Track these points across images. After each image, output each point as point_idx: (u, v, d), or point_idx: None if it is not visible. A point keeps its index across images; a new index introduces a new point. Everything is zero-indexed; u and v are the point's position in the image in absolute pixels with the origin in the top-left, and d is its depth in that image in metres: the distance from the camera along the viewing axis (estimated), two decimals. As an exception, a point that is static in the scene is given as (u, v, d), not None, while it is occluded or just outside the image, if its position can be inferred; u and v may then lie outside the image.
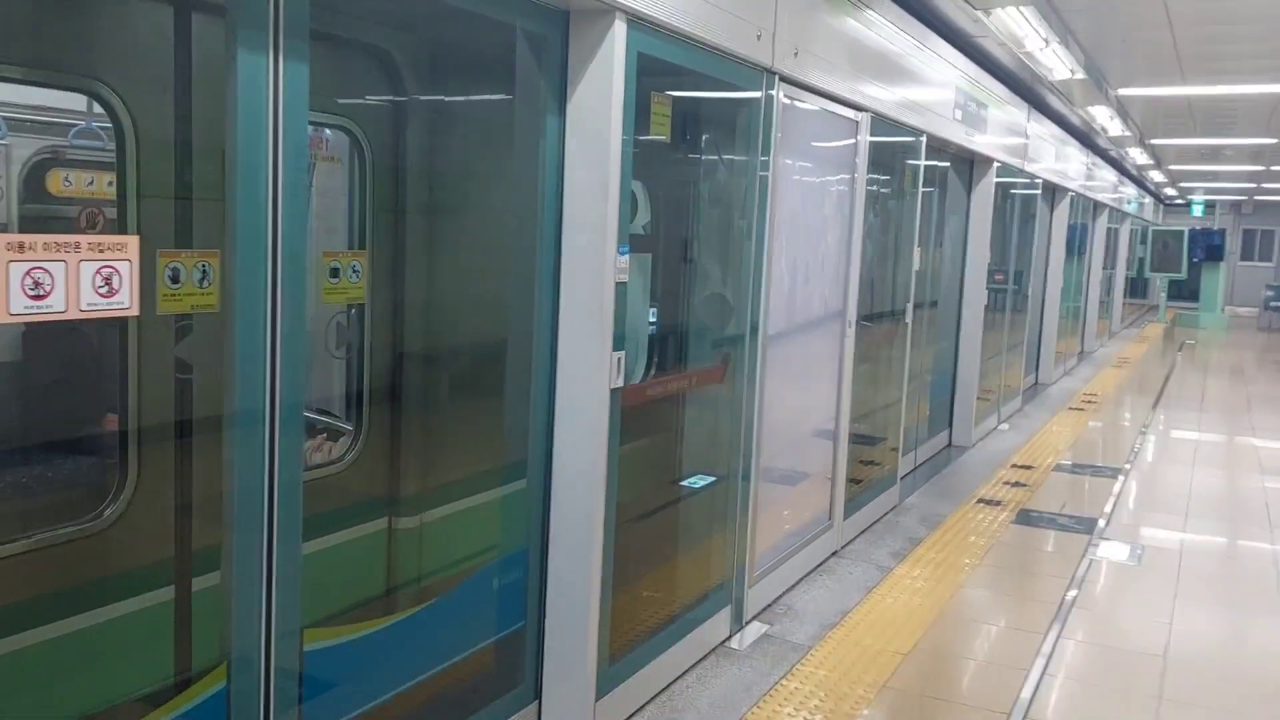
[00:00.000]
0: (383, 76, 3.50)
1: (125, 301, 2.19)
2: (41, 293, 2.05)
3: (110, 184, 2.45)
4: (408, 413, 3.32)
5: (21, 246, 2.01)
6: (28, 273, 2.02)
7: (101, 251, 2.14)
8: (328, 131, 3.29)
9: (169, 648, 2.50)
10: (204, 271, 2.38)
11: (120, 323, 2.47)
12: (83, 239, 2.10)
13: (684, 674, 4.28)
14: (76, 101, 2.50)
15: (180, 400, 2.54)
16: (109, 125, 2.41)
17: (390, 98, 3.47)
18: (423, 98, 3.44)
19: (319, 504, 3.08)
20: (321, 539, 3.04)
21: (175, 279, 2.33)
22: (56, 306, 2.08)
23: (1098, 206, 16.29)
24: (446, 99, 3.70)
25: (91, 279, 2.13)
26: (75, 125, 2.56)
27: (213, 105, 2.42)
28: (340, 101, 3.37)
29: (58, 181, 2.68)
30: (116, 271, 2.17)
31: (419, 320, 3.34)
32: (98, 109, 2.46)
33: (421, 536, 3.33)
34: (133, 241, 2.20)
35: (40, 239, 2.04)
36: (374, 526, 3.18)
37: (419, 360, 3.41)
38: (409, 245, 3.36)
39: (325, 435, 3.20)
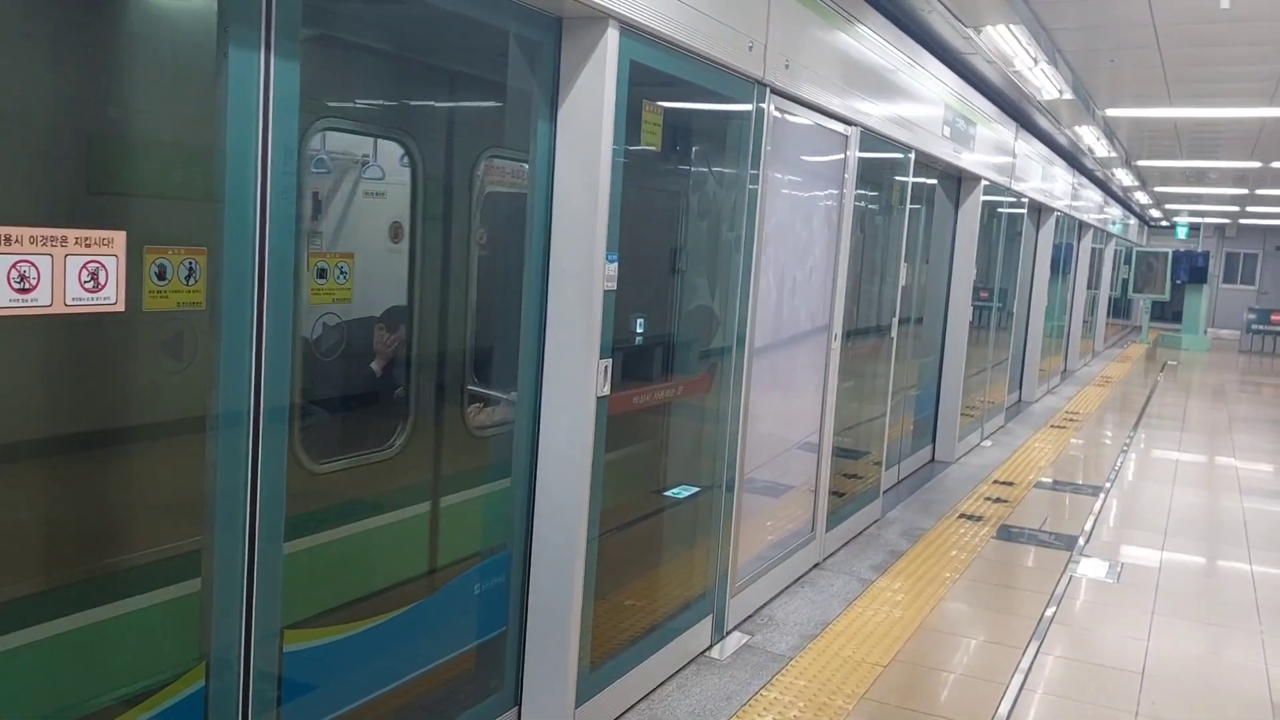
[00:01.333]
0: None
1: (111, 297, 2.19)
2: (27, 286, 2.04)
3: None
4: None
5: (8, 239, 2.00)
6: (14, 266, 2.01)
7: (88, 247, 2.13)
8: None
9: (426, 546, 3.50)
10: (190, 269, 2.38)
11: (406, 317, 3.40)
12: (69, 233, 2.09)
13: (664, 682, 4.27)
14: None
15: (437, 373, 3.54)
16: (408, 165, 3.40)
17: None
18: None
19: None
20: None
21: (162, 276, 2.33)
22: (42, 300, 2.06)
23: (1083, 226, 16.39)
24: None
25: (77, 274, 2.12)
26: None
27: (467, 150, 3.44)
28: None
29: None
30: (103, 267, 2.16)
31: None
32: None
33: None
34: (119, 236, 2.19)
35: (27, 232, 2.03)
36: None
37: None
38: None
39: (483, 404, 3.77)
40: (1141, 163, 15.89)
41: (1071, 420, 12.15)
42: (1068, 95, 8.91)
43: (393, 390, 3.51)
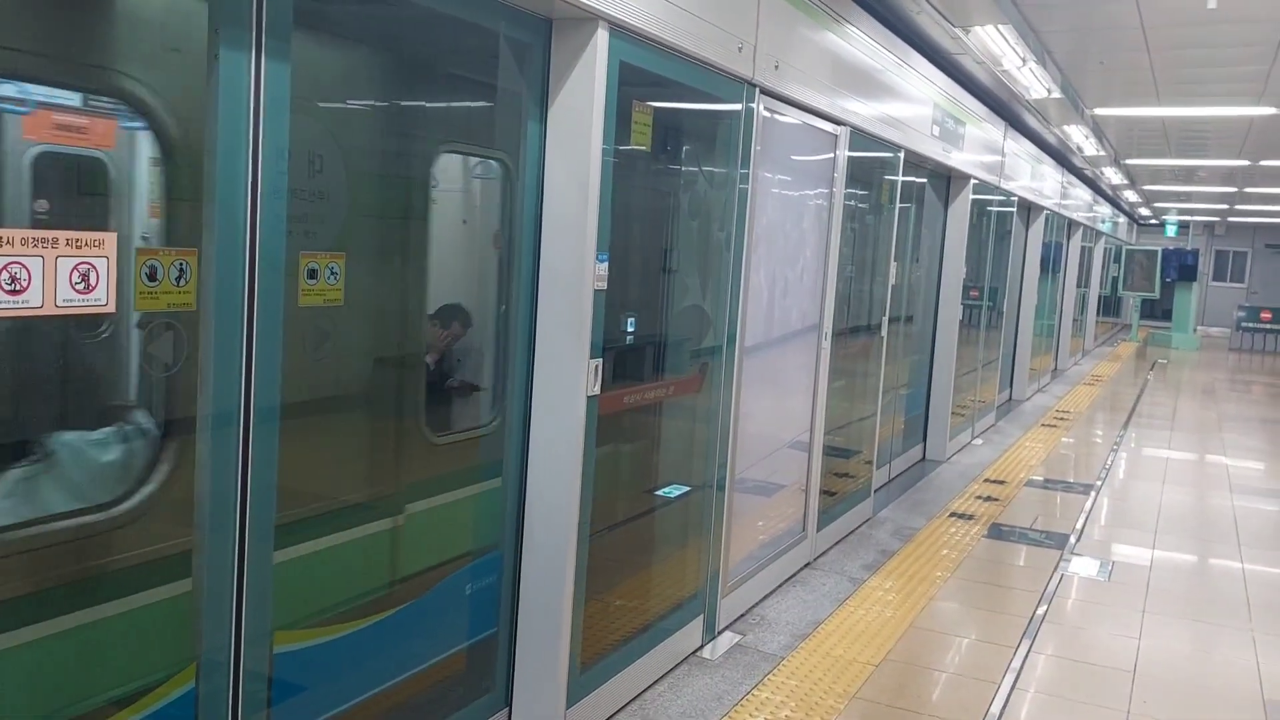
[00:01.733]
0: None
1: (102, 299, 2.18)
2: (18, 288, 2.03)
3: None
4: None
5: (-2, 241, 2.00)
6: (4, 268, 2.01)
7: (79, 248, 2.13)
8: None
9: (500, 514, 3.72)
10: (181, 270, 2.37)
11: (494, 316, 3.78)
12: (60, 234, 2.09)
13: (655, 683, 4.28)
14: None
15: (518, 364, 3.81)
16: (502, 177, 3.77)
17: None
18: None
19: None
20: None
21: (152, 277, 2.32)
22: (33, 302, 2.06)
23: (1072, 225, 16.45)
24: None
25: (68, 275, 2.11)
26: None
27: (536, 167, 3.57)
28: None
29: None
30: (94, 268, 2.15)
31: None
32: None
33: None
34: (110, 238, 2.19)
35: (18, 234, 2.03)
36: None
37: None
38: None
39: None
40: (1130, 161, 15.94)
41: (1062, 419, 12.19)
42: (1056, 94, 8.93)
43: (490, 376, 3.95)
